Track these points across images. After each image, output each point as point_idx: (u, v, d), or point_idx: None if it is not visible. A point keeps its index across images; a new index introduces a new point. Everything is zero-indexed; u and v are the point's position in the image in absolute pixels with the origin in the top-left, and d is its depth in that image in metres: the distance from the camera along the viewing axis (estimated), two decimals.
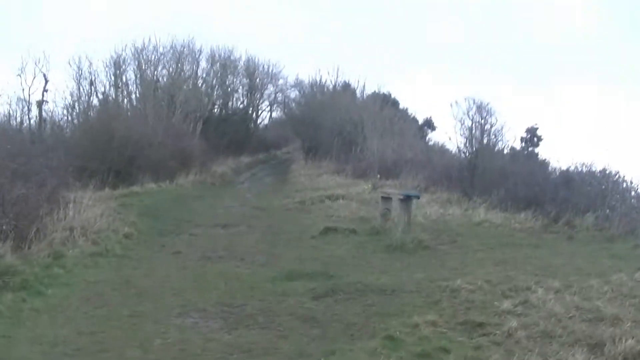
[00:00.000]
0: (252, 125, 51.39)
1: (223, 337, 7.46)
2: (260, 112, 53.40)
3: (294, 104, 49.23)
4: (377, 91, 45.24)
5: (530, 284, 9.54)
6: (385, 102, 42.17)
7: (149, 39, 40.01)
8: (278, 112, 56.53)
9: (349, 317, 8.18)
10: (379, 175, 24.78)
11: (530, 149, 31.07)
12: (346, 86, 47.26)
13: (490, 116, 21.77)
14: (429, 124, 46.88)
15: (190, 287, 10.00)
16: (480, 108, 21.64)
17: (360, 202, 20.12)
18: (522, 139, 31.34)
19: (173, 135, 30.93)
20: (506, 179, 19.70)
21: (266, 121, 56.22)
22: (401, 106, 47.17)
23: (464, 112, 21.98)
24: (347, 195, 21.39)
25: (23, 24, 61.02)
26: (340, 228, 14.79)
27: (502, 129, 22.21)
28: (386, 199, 15.58)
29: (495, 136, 22.18)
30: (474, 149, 21.60)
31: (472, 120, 21.82)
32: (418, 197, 15.64)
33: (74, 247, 12.41)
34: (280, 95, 52.43)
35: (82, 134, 30.16)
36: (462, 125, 22.01)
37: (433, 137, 46.25)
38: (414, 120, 46.65)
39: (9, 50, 56.75)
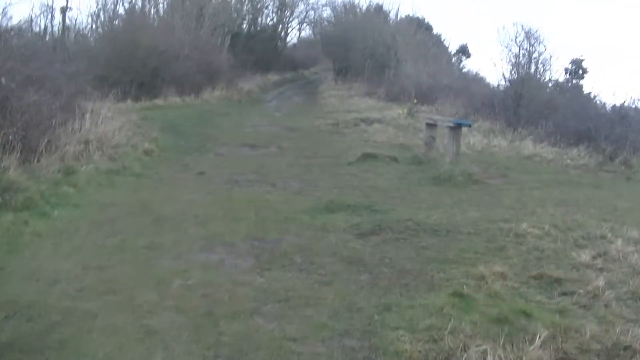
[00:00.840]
0: (281, 43, 50.00)
1: (255, 281, 6.25)
2: (289, 30, 51.93)
3: (325, 23, 47.62)
4: (411, 15, 43.37)
5: (604, 231, 8.27)
6: (419, 27, 40.50)
7: None
8: (307, 32, 55.18)
9: (401, 262, 6.94)
10: (415, 100, 23.36)
11: (575, 81, 29.28)
12: (379, 8, 45.42)
13: (539, 44, 20.22)
14: (463, 51, 45.09)
15: (215, 215, 8.80)
16: (528, 35, 20.10)
17: (397, 128, 18.80)
18: (566, 71, 29.55)
19: (200, 49, 29.63)
20: (554, 111, 18.30)
21: (295, 40, 54.78)
22: (435, 31, 45.43)
23: (511, 39, 20.46)
24: (383, 119, 20.02)
25: None
26: (380, 155, 13.48)
27: (550, 58, 20.67)
28: (431, 125, 14.15)
29: (543, 65, 20.67)
30: (520, 77, 20.09)
31: (519, 47, 20.29)
32: (470, 126, 14.30)
33: (88, 163, 11.29)
34: (311, 13, 50.92)
35: (105, 43, 28.94)
36: (508, 52, 20.50)
37: (467, 64, 44.67)
38: (448, 46, 44.91)
39: None
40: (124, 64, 25.42)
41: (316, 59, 53.31)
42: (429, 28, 43.99)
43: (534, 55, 20.35)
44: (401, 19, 43.70)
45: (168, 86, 25.80)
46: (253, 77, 37.38)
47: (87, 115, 13.35)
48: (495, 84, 25.21)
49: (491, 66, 53.04)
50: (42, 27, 36.74)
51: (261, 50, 41.79)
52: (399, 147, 15.58)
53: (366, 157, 13.39)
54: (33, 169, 10.04)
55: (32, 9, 43.37)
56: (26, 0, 47.87)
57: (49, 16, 36.51)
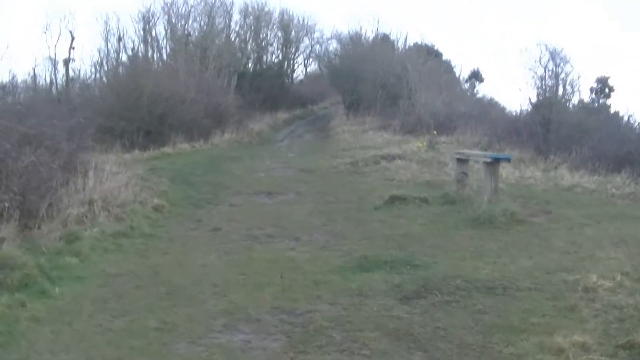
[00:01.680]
0: (288, 80, 49.34)
1: None
2: (296, 66, 51.28)
3: (333, 56, 46.83)
4: (420, 42, 42.40)
5: None
6: (429, 54, 39.61)
7: None
8: (313, 67, 54.56)
9: (458, 333, 5.87)
10: (435, 132, 22.34)
11: (601, 101, 28.11)
12: (386, 37, 44.56)
13: (565, 64, 19.21)
14: (476, 76, 43.97)
15: (235, 281, 7.76)
16: (553, 55, 19.10)
17: (421, 163, 17.72)
18: (592, 90, 28.41)
19: (206, 91, 28.90)
20: (587, 135, 17.18)
21: (301, 76, 54.11)
22: (444, 58, 44.50)
23: (535, 60, 19.48)
24: (403, 154, 18.93)
25: None
26: (409, 196, 12.37)
27: (578, 78, 19.63)
28: (462, 161, 13.09)
29: (571, 86, 19.63)
30: (547, 100, 19.03)
31: (544, 68, 19.28)
32: (509, 160, 13.19)
33: (93, 226, 10.29)
34: (317, 47, 50.34)
35: (109, 92, 28.23)
36: (533, 74, 19.50)
37: (481, 89, 43.70)
38: (460, 72, 43.91)
39: (33, 7, 54.90)
40: (129, 113, 24.79)
41: (324, 93, 52.61)
42: (438, 55, 43.09)
43: (560, 76, 19.33)
44: (409, 47, 42.81)
45: (176, 133, 25.07)
46: (262, 116, 36.60)
47: (91, 173, 12.40)
48: (516, 109, 24.28)
49: (506, 90, 52.18)
50: (47, 80, 36.62)
51: (268, 89, 41.21)
52: (427, 186, 14.52)
53: (394, 199, 12.29)
54: (33, 238, 9.09)
55: (34, 63, 42.64)
56: (29, 54, 47.31)
57: (53, 69, 36.43)
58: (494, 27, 71.28)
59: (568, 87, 19.61)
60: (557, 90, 19.40)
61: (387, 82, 35.83)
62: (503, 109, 34.65)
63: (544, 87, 19.45)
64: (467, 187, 12.68)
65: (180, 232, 10.84)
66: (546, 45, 19.76)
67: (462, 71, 43.99)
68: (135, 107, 24.98)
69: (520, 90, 27.24)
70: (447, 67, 42.14)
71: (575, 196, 13.30)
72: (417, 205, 12.06)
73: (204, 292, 7.39)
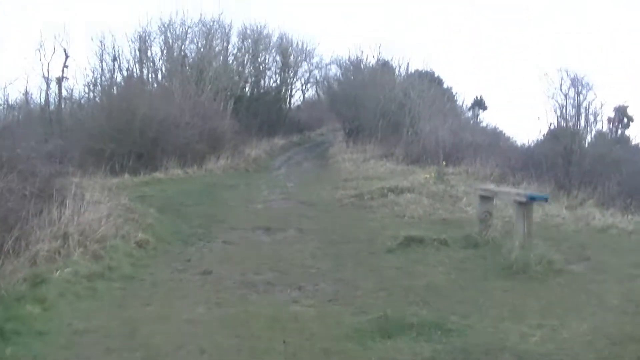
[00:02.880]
0: (285, 105, 48.21)
1: None
2: (294, 91, 50.16)
3: (333, 82, 45.66)
4: (422, 69, 41.10)
5: None
6: (431, 81, 38.42)
7: (176, 12, 36.83)
8: (311, 92, 53.49)
9: None
10: (444, 162, 20.97)
11: (620, 131, 26.61)
12: (388, 63, 43.30)
13: (587, 91, 17.85)
14: (479, 104, 42.61)
15: (228, 347, 6.32)
16: (575, 82, 17.76)
17: (432, 197, 16.27)
18: (609, 120, 26.86)
19: (202, 115, 27.57)
20: (612, 168, 15.77)
21: (299, 101, 53.05)
22: (445, 85, 43.21)
23: (555, 87, 18.16)
24: (413, 187, 17.44)
25: None
26: (427, 238, 10.89)
27: (601, 107, 18.26)
28: (486, 198, 11.62)
29: (594, 116, 18.26)
30: (569, 130, 17.65)
31: (565, 96, 17.95)
32: (546, 200, 11.66)
33: (65, 265, 8.91)
34: (316, 72, 49.28)
35: (100, 112, 26.96)
36: (554, 102, 18.17)
37: (485, 117, 42.43)
38: (463, 100, 42.59)
39: (28, 23, 53.75)
40: (120, 135, 23.63)
41: (321, 119, 51.69)
42: (440, 82, 41.85)
43: (583, 104, 17.96)
44: (411, 74, 41.55)
45: (169, 157, 23.80)
46: (259, 142, 35.35)
47: (69, 201, 10.97)
48: (528, 139, 22.97)
49: (512, 118, 50.82)
50: (43, 99, 35.51)
51: (266, 114, 40.35)
52: (443, 224, 13.07)
53: (409, 241, 10.79)
54: None
55: (26, 81, 41.43)
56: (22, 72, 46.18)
57: (46, 87, 35.35)
58: (498, 54, 70.11)
59: (590, 117, 18.21)
60: (578, 119, 17.99)
61: (388, 109, 34.64)
62: (508, 138, 33.50)
63: (564, 116, 18.06)
64: (491, 227, 11.18)
65: (166, 275, 9.39)
66: (567, 71, 18.48)
67: (465, 98, 42.66)
68: (127, 129, 23.84)
69: (538, 118, 25.75)
70: (449, 95, 40.93)
71: (612, 239, 11.80)
72: (435, 249, 10.58)
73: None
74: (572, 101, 17.91)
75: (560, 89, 18.10)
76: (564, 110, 18.04)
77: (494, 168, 20.02)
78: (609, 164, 16.14)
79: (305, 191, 19.66)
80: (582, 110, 18.03)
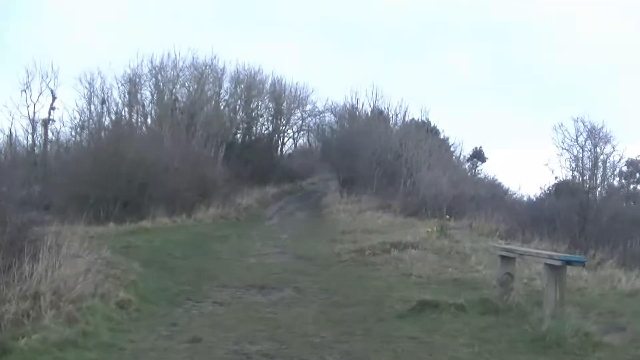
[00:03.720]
0: (277, 153, 47.43)
1: None
2: (286, 139, 49.46)
3: (328, 129, 44.96)
4: (420, 119, 40.20)
5: None
6: (428, 131, 37.59)
7: (168, 55, 36.10)
8: (303, 140, 52.90)
9: None
10: (447, 216, 19.92)
11: (632, 186, 25.18)
12: (382, 113, 42.41)
13: (605, 143, 16.77)
14: (478, 155, 41.61)
15: None
16: (592, 132, 16.70)
17: (438, 253, 15.18)
18: (621, 174, 25.49)
19: (192, 161, 26.73)
20: (633, 226, 14.67)
21: (290, 149, 52.41)
22: (442, 136, 42.25)
23: (571, 138, 17.15)
24: (416, 243, 16.31)
25: (29, 34, 57.18)
26: (442, 303, 9.69)
27: (619, 160, 17.17)
28: (507, 258, 10.48)
29: (612, 169, 17.16)
30: (585, 184, 16.53)
31: (582, 147, 16.90)
32: (583, 264, 10.42)
33: (34, 330, 7.75)
34: (310, 120, 48.64)
35: (85, 156, 26.00)
36: (569, 154, 17.13)
37: (484, 169, 41.44)
38: (461, 151, 41.58)
39: (14, 63, 52.92)
40: (106, 180, 22.83)
41: (313, 168, 51.40)
42: (436, 132, 40.91)
43: (600, 157, 16.86)
44: (407, 123, 40.67)
45: (156, 205, 22.84)
46: (250, 190, 34.45)
47: (42, 255, 9.82)
48: (533, 193, 21.93)
49: (512, 171, 50.13)
50: (29, 141, 34.58)
51: (257, 161, 39.84)
52: (454, 285, 11.90)
53: (422, 305, 9.60)
54: None
55: (11, 123, 40.47)
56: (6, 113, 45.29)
57: (32, 129, 34.49)
58: (498, 104, 69.48)
59: (608, 170, 17.12)
60: (594, 172, 16.88)
61: (384, 159, 33.84)
62: (507, 191, 32.56)
63: (580, 169, 16.98)
64: (513, 291, 10.01)
65: (149, 343, 8.20)
66: (584, 122, 17.48)
67: (463, 150, 41.65)
68: (113, 174, 23.08)
69: (552, 171, 24.70)
70: (446, 146, 40.02)
71: None
72: (452, 315, 9.36)
73: None
74: (588, 153, 16.85)
75: (576, 140, 17.06)
76: (579, 163, 16.94)
77: (499, 223, 18.95)
78: (627, 221, 15.02)
79: (301, 244, 18.56)
80: (600, 163, 16.94)
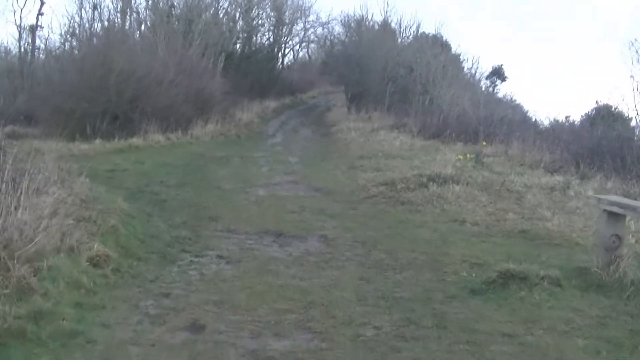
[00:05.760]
0: (279, 64, 44.84)
1: None
2: (287, 50, 46.89)
3: (335, 40, 42.31)
4: (429, 33, 37.15)
5: None
6: (441, 45, 34.76)
7: None
8: (303, 53, 50.56)
9: None
10: (484, 142, 17.34)
11: None
12: (387, 24, 39.30)
13: None
14: (498, 73, 38.55)
15: None
16: None
17: (485, 190, 12.66)
18: None
19: (189, 72, 24.15)
20: None
21: (290, 62, 50.03)
22: (454, 51, 39.22)
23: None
24: (456, 175, 13.66)
25: None
26: (531, 275, 7.08)
27: None
28: (615, 215, 7.74)
29: None
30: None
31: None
32: None
33: None
34: (312, 31, 46.03)
35: (71, 66, 23.46)
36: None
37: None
38: (475, 67, 38.59)
39: None
40: (94, 93, 20.46)
41: (312, 81, 49.89)
42: (447, 47, 37.86)
43: None
44: (417, 37, 37.70)
45: (148, 120, 20.49)
46: (250, 104, 31.99)
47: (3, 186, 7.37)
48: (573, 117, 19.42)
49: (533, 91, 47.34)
50: (23, 49, 32.53)
51: (257, 73, 37.75)
52: (525, 239, 9.25)
53: (506, 279, 7.06)
54: None
55: None
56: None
57: (19, 36, 32.71)
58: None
59: None
60: None
61: (396, 74, 31.26)
62: (526, 113, 30.17)
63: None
64: (623, 260, 7.44)
65: (129, 331, 5.72)
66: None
67: (480, 67, 38.60)
68: (101, 86, 20.93)
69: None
70: (458, 62, 37.10)
71: None
72: (548, 293, 6.71)
73: None
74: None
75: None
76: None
77: (542, 152, 16.35)
78: None
79: (315, 171, 16.04)
80: None
